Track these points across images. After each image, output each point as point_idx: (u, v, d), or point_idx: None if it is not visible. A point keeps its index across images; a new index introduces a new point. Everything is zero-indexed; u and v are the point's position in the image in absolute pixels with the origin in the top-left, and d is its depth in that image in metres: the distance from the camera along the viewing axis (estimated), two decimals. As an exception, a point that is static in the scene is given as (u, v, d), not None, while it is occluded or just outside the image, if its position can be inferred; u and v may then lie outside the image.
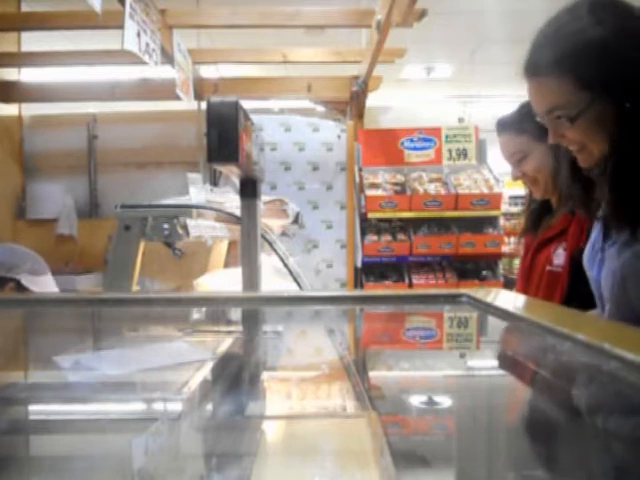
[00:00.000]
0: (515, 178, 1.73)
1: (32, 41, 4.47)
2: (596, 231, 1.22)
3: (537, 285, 1.65)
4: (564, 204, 1.62)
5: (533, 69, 1.11)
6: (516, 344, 1.04)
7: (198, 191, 2.45)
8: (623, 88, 1.03)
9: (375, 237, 4.56)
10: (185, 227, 2.04)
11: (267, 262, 2.61)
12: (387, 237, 4.56)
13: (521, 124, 1.65)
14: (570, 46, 1.05)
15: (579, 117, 1.07)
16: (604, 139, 1.09)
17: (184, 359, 0.96)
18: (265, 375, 0.95)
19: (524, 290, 1.73)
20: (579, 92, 1.05)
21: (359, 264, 4.57)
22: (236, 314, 1.45)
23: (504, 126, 1.69)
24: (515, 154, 1.68)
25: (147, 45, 2.85)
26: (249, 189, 1.53)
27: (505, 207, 7.39)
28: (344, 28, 4.26)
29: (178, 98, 3.60)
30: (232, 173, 1.58)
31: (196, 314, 1.47)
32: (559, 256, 1.59)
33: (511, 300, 1.17)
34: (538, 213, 1.75)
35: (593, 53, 1.03)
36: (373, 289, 4.39)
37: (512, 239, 6.93)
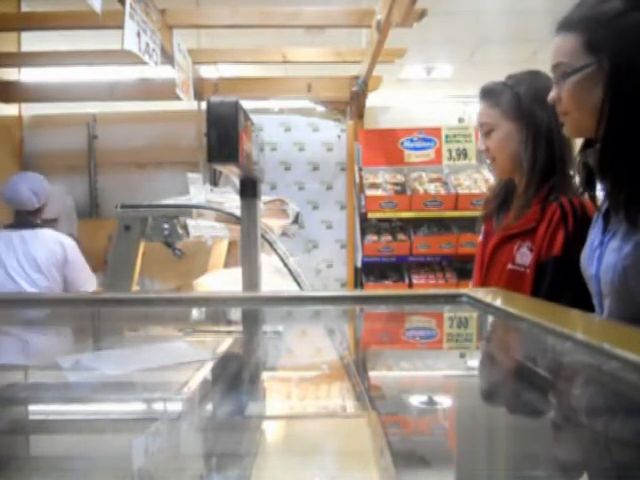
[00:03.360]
0: (480, 150, 1.70)
1: (32, 41, 4.47)
2: (594, 231, 1.22)
3: (496, 282, 1.57)
4: (525, 192, 1.56)
5: (559, 25, 1.18)
6: (516, 344, 1.04)
7: (198, 191, 2.45)
8: (622, 59, 1.07)
9: (375, 237, 4.56)
10: (185, 227, 2.05)
11: (267, 262, 2.61)
12: (387, 237, 4.56)
13: (498, 96, 1.61)
14: (589, 11, 1.13)
15: (573, 74, 1.13)
16: (590, 111, 1.12)
17: (184, 359, 0.96)
18: (265, 375, 0.95)
19: (482, 285, 1.66)
20: (584, 53, 1.12)
21: (359, 264, 4.57)
22: (236, 314, 1.45)
23: (484, 93, 1.65)
24: (484, 125, 1.64)
25: (147, 45, 2.85)
26: (249, 189, 1.53)
27: (505, 207, 7.31)
28: (344, 28, 4.26)
29: (178, 98, 3.60)
30: (232, 173, 1.58)
31: (196, 314, 1.47)
32: (523, 255, 1.52)
33: (511, 300, 1.17)
34: (501, 198, 1.67)
35: (606, 20, 1.09)
36: (373, 289, 4.38)
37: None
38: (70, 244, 2.98)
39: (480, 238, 1.74)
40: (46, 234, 2.92)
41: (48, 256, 2.84)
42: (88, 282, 3.05)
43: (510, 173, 1.63)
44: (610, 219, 1.16)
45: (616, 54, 1.07)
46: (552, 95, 1.21)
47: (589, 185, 1.22)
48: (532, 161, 1.54)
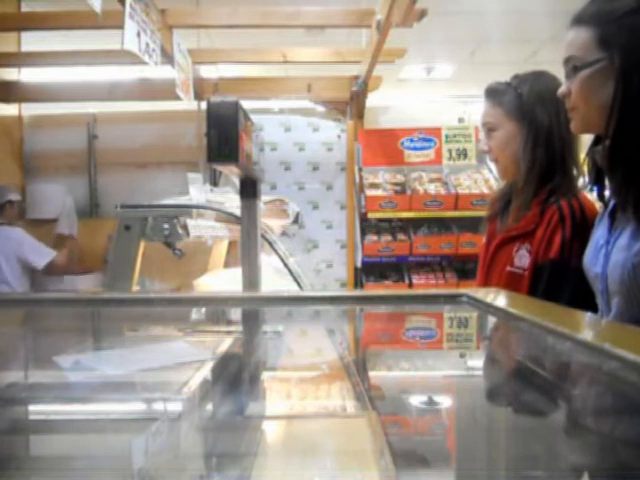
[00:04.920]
0: (482, 151, 1.70)
1: (32, 41, 4.46)
2: (599, 229, 1.22)
3: (496, 284, 1.57)
4: (523, 192, 1.55)
5: (573, 20, 1.19)
6: (516, 344, 1.04)
7: (198, 191, 2.45)
8: (633, 56, 1.08)
9: (375, 237, 4.55)
10: (185, 227, 2.04)
11: (267, 262, 2.61)
12: (387, 237, 4.55)
13: (501, 96, 1.61)
14: (602, 6, 1.14)
15: (584, 68, 1.14)
16: (598, 106, 1.13)
17: (184, 359, 0.96)
18: (265, 375, 0.95)
19: (484, 286, 1.65)
20: (595, 48, 1.12)
21: (359, 264, 4.57)
22: (236, 314, 1.45)
23: (488, 93, 1.65)
24: (486, 124, 1.64)
25: (147, 45, 2.85)
26: (249, 189, 1.53)
27: (505, 207, 7.32)
28: (344, 28, 4.26)
29: (178, 98, 3.59)
30: (232, 173, 1.58)
31: (196, 314, 1.47)
32: (522, 258, 1.52)
33: (511, 300, 1.17)
34: (506, 199, 1.67)
35: (617, 16, 1.10)
36: (373, 289, 4.38)
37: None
38: (18, 232, 3.88)
39: (484, 239, 1.74)
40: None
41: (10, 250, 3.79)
42: (40, 256, 3.89)
43: (513, 174, 1.62)
44: (616, 217, 1.16)
45: (627, 51, 1.08)
46: (562, 89, 1.21)
47: (598, 182, 1.22)
48: (531, 161, 1.54)
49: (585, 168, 1.29)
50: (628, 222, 1.11)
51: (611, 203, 1.19)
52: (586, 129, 1.23)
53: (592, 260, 1.21)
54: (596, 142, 1.20)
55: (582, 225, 1.41)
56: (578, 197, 1.49)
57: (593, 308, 1.22)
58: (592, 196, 1.41)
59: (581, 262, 1.27)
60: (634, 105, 1.08)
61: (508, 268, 1.54)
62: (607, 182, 1.18)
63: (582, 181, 1.51)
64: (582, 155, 1.41)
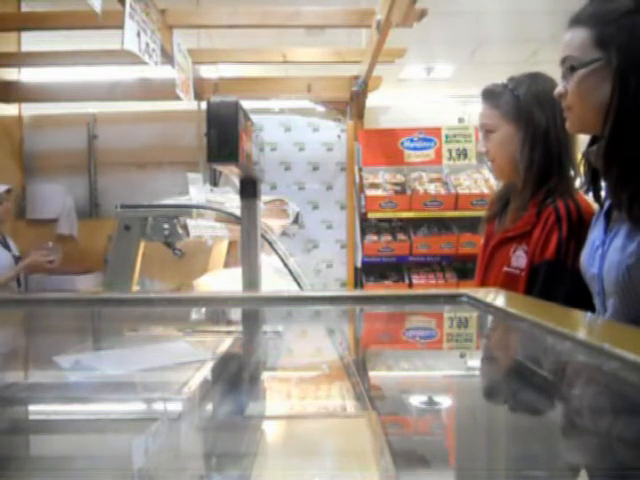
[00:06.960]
0: (480, 152, 1.71)
1: (32, 41, 4.46)
2: (595, 230, 1.22)
3: (494, 284, 1.58)
4: (521, 193, 1.56)
5: (571, 20, 1.19)
6: (516, 344, 1.04)
7: (198, 191, 2.45)
8: (631, 57, 1.08)
9: (375, 237, 4.55)
10: (185, 227, 2.05)
11: (267, 262, 2.61)
12: (387, 237, 4.56)
13: (498, 98, 1.61)
14: (601, 7, 1.14)
15: (580, 68, 1.14)
16: (594, 106, 1.13)
17: (184, 359, 0.96)
18: (265, 375, 0.95)
19: (482, 286, 1.66)
20: (593, 48, 1.13)
21: (359, 264, 4.57)
22: (236, 314, 1.45)
23: (485, 95, 1.66)
24: (484, 125, 1.65)
25: (147, 45, 2.85)
26: (249, 189, 1.53)
27: (505, 207, 7.33)
28: (344, 28, 4.26)
29: (178, 98, 3.59)
30: (232, 173, 1.58)
31: (196, 314, 1.47)
32: (519, 258, 1.52)
33: (511, 300, 1.17)
34: (505, 200, 1.67)
35: (616, 17, 1.11)
36: (373, 289, 4.38)
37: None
38: None
39: (482, 240, 1.74)
40: None
41: None
42: None
43: (510, 175, 1.63)
44: (612, 218, 1.16)
45: (625, 51, 1.08)
46: (558, 89, 1.21)
47: (593, 183, 1.22)
48: (529, 162, 1.55)
49: (582, 169, 1.29)
50: (623, 223, 1.12)
51: (607, 204, 1.19)
52: (581, 129, 1.23)
53: (589, 261, 1.21)
54: (592, 143, 1.21)
55: (578, 226, 1.42)
56: (575, 198, 1.49)
57: (589, 309, 1.22)
58: (589, 197, 1.41)
59: (577, 263, 1.27)
60: (631, 105, 1.08)
61: (505, 268, 1.55)
62: (603, 182, 1.19)
63: (579, 182, 1.51)
64: (579, 156, 1.41)
